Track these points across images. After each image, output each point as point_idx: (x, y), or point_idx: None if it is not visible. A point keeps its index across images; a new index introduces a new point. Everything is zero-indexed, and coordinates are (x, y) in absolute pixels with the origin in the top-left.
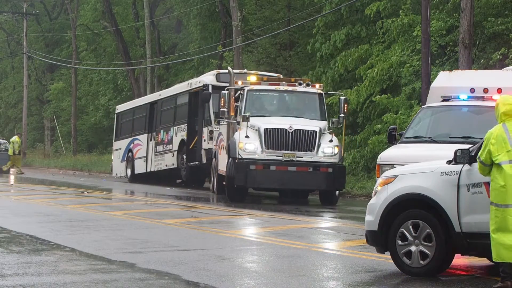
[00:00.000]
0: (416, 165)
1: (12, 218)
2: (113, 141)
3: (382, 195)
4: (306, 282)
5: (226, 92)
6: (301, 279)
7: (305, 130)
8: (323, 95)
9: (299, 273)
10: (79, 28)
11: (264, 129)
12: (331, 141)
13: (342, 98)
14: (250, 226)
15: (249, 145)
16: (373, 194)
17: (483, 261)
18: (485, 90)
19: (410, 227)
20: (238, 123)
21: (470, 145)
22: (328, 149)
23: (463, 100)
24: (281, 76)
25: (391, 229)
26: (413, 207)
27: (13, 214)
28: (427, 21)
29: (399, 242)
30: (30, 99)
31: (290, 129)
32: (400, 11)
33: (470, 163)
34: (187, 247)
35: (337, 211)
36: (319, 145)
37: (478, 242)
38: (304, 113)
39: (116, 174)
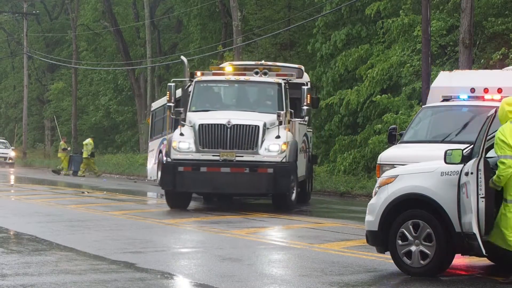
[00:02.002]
0: (416, 165)
1: (12, 218)
2: (148, 141)
3: (382, 195)
4: (307, 282)
5: (172, 84)
6: (302, 279)
7: (245, 125)
8: (283, 85)
9: (300, 273)
10: (79, 28)
11: (199, 125)
12: (278, 137)
13: (305, 88)
14: (250, 226)
15: (183, 143)
16: (373, 194)
17: (483, 261)
18: (485, 90)
19: (410, 227)
20: (184, 119)
21: (468, 145)
22: (273, 146)
23: (463, 100)
24: (303, 68)
25: (391, 229)
26: (413, 207)
27: (13, 214)
28: (427, 21)
29: (399, 242)
30: (31, 99)
31: (229, 125)
32: (400, 11)
33: (463, 164)
34: (187, 247)
35: (337, 211)
36: (262, 142)
37: (477, 243)
38: (258, 105)
39: (150, 177)
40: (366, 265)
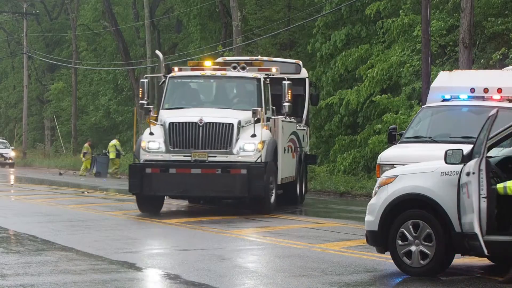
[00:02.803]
0: (416, 165)
1: (12, 218)
2: None
3: (382, 195)
4: (307, 282)
5: (145, 80)
6: (302, 279)
7: (218, 124)
8: (262, 80)
9: (300, 273)
10: (79, 28)
11: (169, 124)
12: (254, 135)
13: (286, 82)
14: (250, 226)
15: (153, 143)
16: (373, 194)
17: (483, 261)
18: (485, 90)
19: (410, 227)
20: (156, 117)
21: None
22: (248, 145)
23: (463, 100)
24: (300, 63)
25: (391, 229)
26: (413, 207)
27: (13, 214)
28: (427, 21)
29: (399, 242)
30: (30, 99)
31: (201, 123)
32: (400, 11)
33: (463, 164)
34: (187, 247)
35: (337, 211)
36: (237, 141)
37: (478, 243)
38: (234, 102)
39: None
40: (366, 265)
